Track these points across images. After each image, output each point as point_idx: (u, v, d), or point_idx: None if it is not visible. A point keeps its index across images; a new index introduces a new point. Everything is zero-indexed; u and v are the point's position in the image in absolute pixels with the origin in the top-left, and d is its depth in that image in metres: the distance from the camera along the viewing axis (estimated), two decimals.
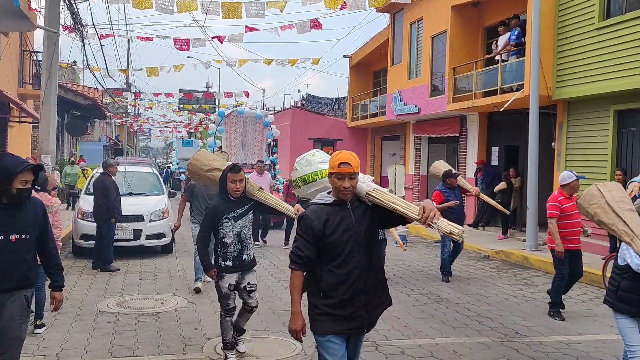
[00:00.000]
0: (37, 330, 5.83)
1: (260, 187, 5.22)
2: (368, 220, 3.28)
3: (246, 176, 5.12)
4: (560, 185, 6.99)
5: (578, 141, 11.93)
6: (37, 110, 14.72)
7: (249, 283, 5.10)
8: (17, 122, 16.22)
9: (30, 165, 3.67)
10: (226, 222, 4.96)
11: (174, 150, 37.82)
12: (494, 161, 15.18)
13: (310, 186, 4.40)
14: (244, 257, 5.05)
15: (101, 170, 10.08)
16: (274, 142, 18.10)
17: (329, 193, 3.32)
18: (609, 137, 11.05)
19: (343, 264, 3.18)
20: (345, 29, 67.08)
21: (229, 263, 4.99)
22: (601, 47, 10.89)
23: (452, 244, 9.08)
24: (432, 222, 3.04)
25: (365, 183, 3.34)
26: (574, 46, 11.61)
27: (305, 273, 3.28)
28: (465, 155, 16.17)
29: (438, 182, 9.48)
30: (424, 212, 3.05)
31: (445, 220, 3.11)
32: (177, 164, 34.70)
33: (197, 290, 7.80)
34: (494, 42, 14.23)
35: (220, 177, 5.07)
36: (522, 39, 12.76)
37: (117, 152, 39.33)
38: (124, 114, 40.27)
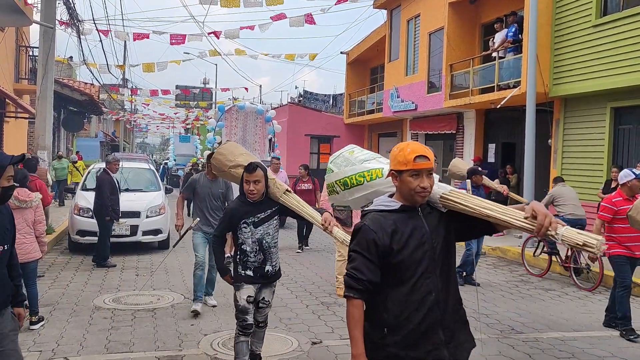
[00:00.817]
0: (32, 327, 5.80)
1: (287, 189, 4.51)
2: (444, 231, 2.57)
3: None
4: (619, 185, 6.43)
5: (574, 138, 11.95)
6: (33, 106, 14.67)
7: (263, 299, 4.54)
8: (13, 117, 16.18)
9: (17, 157, 3.17)
10: (244, 227, 4.38)
11: (171, 146, 37.39)
12: (491, 158, 15.20)
13: (353, 192, 3.55)
14: (266, 269, 4.45)
15: (101, 166, 10.04)
16: (275, 138, 17.66)
17: (390, 196, 2.62)
18: (606, 135, 11.07)
19: (414, 288, 2.45)
20: (343, 26, 67.18)
21: (250, 272, 4.42)
22: (598, 45, 10.91)
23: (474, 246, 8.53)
24: (552, 233, 2.27)
25: (437, 183, 2.65)
26: (571, 43, 11.63)
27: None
28: (462, 152, 16.18)
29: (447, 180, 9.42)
30: (535, 219, 2.31)
31: (571, 228, 2.32)
32: (175, 160, 34.36)
33: (195, 313, 6.47)
34: (491, 38, 14.24)
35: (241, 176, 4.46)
36: (519, 35, 12.77)
37: (114, 148, 39.28)
38: (120, 110, 40.17)
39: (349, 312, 2.45)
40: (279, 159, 12.71)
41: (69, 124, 21.92)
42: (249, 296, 4.41)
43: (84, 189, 10.93)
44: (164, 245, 10.95)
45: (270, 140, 17.37)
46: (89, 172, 11.69)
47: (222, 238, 4.57)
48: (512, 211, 2.45)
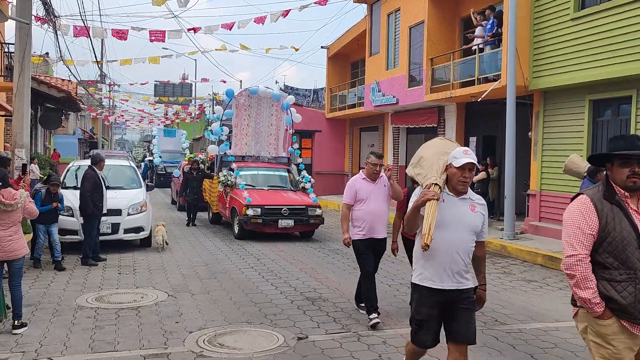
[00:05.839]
0: (16, 331, 5.66)
1: None
2: None
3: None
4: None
5: (554, 131, 12.10)
6: (9, 103, 14.41)
7: None
8: None
9: None
10: None
11: (155, 141, 34.02)
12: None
13: None
14: None
15: (80, 163, 9.92)
16: (293, 130, 15.32)
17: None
18: (585, 127, 11.22)
19: None
20: (323, 20, 67.29)
21: None
22: (577, 38, 11.04)
23: None
24: None
25: None
26: (550, 36, 11.75)
27: None
28: None
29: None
30: None
31: None
32: (160, 156, 30.18)
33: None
34: (477, 24, 13.95)
35: None
36: (499, 29, 12.86)
37: (92, 145, 38.75)
38: (98, 107, 39.66)
39: None
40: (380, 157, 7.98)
41: (47, 122, 21.56)
42: None
43: (64, 187, 10.77)
44: (145, 243, 10.86)
45: (285, 131, 15.01)
46: (68, 170, 11.53)
47: None
48: None
